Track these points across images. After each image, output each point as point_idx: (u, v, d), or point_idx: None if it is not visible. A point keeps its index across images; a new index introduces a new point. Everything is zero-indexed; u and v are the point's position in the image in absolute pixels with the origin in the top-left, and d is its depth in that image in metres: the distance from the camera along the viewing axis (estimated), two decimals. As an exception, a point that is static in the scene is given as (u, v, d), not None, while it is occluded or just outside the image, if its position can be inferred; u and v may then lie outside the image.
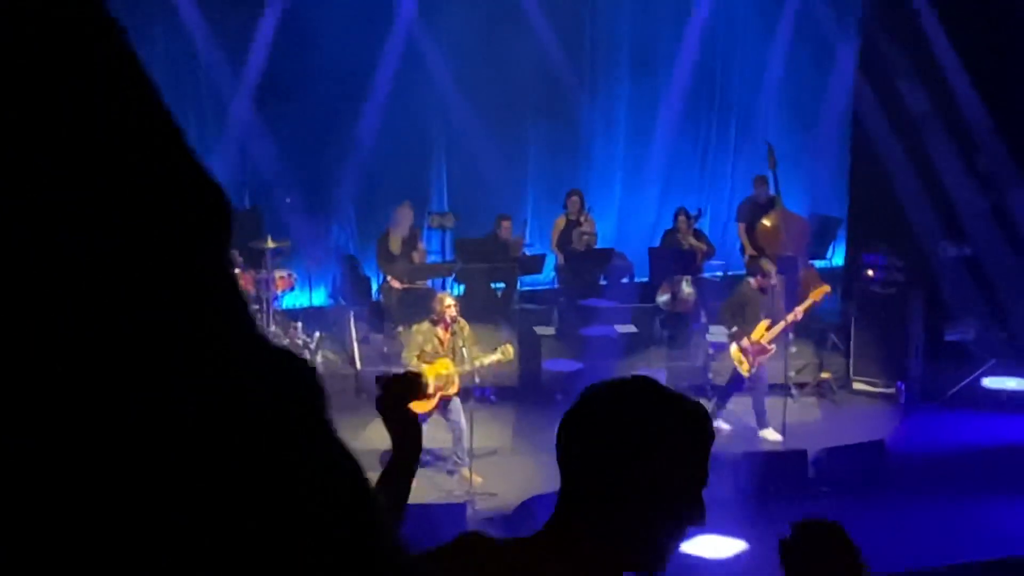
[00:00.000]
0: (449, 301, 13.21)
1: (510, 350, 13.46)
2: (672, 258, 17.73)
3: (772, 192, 18.14)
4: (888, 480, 13.04)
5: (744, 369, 14.63)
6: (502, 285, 18.19)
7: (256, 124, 18.21)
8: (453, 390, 13.07)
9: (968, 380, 15.93)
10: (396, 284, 17.30)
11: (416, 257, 17.69)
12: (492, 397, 15.46)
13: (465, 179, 19.69)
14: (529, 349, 15.96)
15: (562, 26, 19.82)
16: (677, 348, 16.61)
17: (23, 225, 0.90)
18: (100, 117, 0.99)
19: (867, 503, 12.66)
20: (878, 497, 12.74)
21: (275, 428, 1.02)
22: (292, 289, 17.68)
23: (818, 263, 19.13)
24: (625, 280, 18.63)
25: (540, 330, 16.83)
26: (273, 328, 16.88)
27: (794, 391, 15.53)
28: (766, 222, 18.03)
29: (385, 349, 16.66)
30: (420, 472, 13.50)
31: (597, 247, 18.53)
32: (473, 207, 19.15)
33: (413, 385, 3.89)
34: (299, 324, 17.15)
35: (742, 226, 18.78)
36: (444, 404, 13.10)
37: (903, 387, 15.81)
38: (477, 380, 13.58)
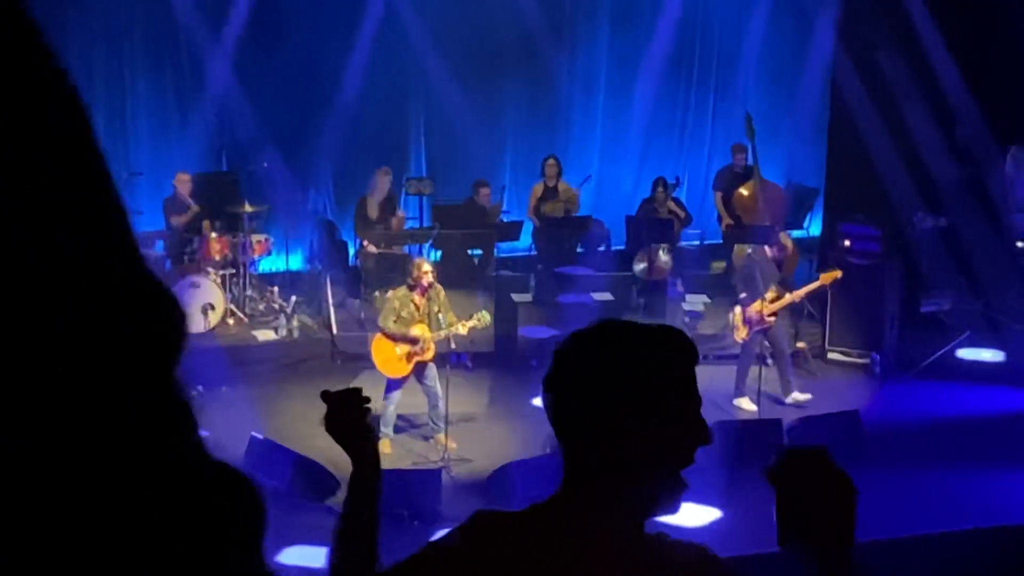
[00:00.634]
0: (426, 267, 13.17)
1: (487, 317, 13.44)
2: (649, 226, 17.72)
3: (750, 161, 18.14)
4: (862, 450, 13.06)
5: (739, 335, 14.63)
6: (479, 252, 18.18)
7: (234, 88, 18.13)
8: (429, 356, 13.06)
9: (943, 351, 15.97)
10: (373, 249, 17.28)
11: (396, 223, 17.67)
12: (468, 363, 15.47)
13: (443, 145, 19.67)
14: (505, 316, 15.95)
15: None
16: (653, 317, 16.59)
17: None
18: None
19: (841, 473, 12.69)
20: (852, 467, 12.52)
21: (210, 552, 1.01)
22: (269, 253, 17.65)
23: (795, 233, 19.14)
24: (602, 248, 18.62)
25: (517, 297, 16.81)
26: (250, 292, 16.85)
27: (769, 360, 15.54)
28: (743, 191, 18.03)
29: (362, 314, 16.65)
30: (396, 438, 13.37)
31: (575, 215, 18.53)
32: (451, 173, 19.14)
33: (358, 401, 3.72)
34: (275, 288, 17.14)
35: (719, 195, 18.79)
36: (420, 370, 13.09)
37: (878, 358, 15.85)
38: (453, 346, 13.57)
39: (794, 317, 16.41)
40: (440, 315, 13.01)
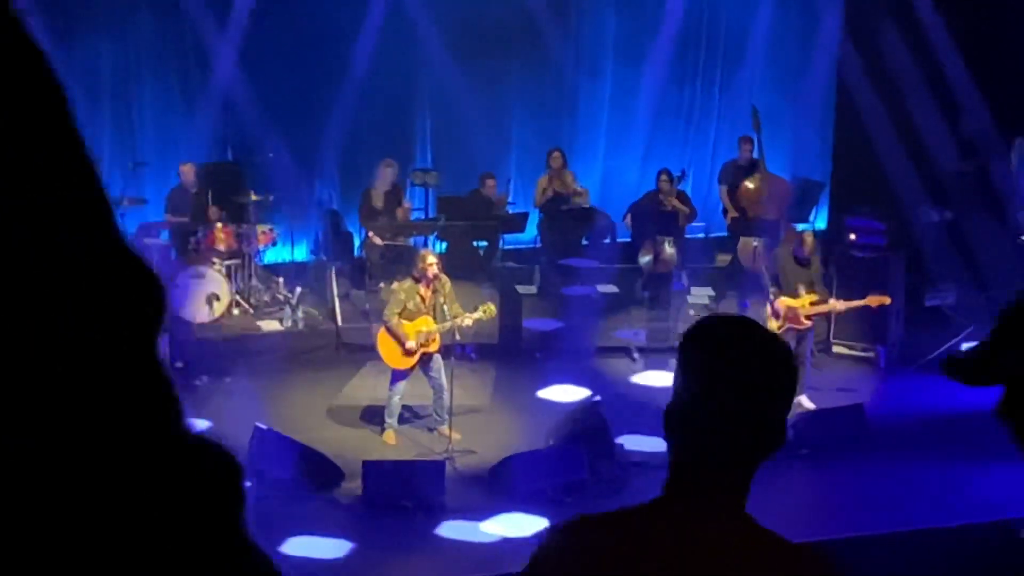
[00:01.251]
0: (431, 259, 13.17)
1: (492, 308, 13.44)
2: (654, 219, 17.69)
3: (756, 155, 18.10)
4: (867, 444, 13.06)
5: (771, 327, 14.52)
6: (484, 243, 18.18)
7: (240, 78, 18.12)
8: (434, 347, 13.07)
9: (948, 345, 15.93)
10: (378, 240, 17.27)
11: (401, 214, 17.65)
12: (472, 355, 15.47)
13: (449, 137, 19.63)
14: (510, 307, 15.95)
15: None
16: (658, 309, 16.59)
17: None
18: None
19: (846, 466, 12.70)
20: (857, 460, 12.77)
21: (190, 527, 1.01)
22: (274, 244, 17.66)
23: (800, 226, 19.11)
24: (607, 240, 18.60)
25: (521, 289, 16.82)
26: (255, 282, 16.86)
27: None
28: (748, 184, 18.00)
29: (367, 306, 16.65)
30: (401, 429, 13.45)
31: (581, 207, 18.51)
32: (457, 165, 19.10)
33: None
34: (280, 279, 17.14)
35: (724, 188, 18.75)
36: (425, 361, 13.10)
37: (883, 351, 15.84)
38: (458, 338, 13.56)
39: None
40: (445, 307, 13.01)
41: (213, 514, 1.04)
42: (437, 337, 13.03)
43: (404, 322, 12.93)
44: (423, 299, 13.01)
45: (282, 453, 11.92)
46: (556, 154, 18.56)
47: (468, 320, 13.12)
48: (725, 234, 18.57)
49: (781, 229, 17.18)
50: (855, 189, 18.03)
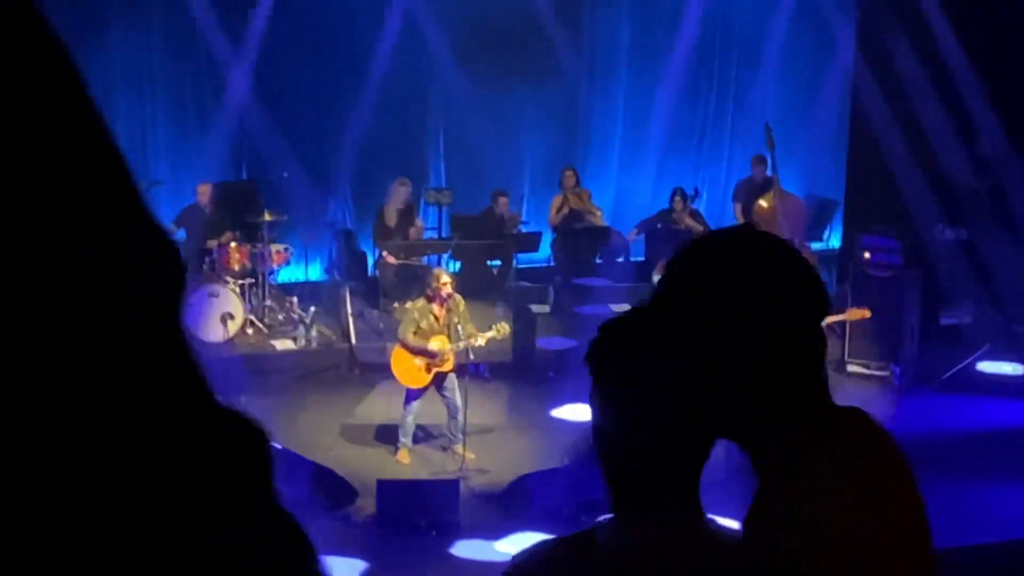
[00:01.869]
0: (445, 278, 13.18)
1: (506, 328, 13.44)
2: (668, 238, 17.69)
3: (770, 173, 18.09)
4: (881, 463, 13.01)
5: None
6: (498, 262, 18.17)
7: (254, 97, 18.17)
8: (448, 367, 13.06)
9: (963, 364, 15.90)
10: (392, 260, 17.28)
11: (414, 232, 17.66)
12: (486, 374, 15.46)
13: (462, 155, 19.65)
14: (524, 327, 15.95)
15: (562, 6, 19.77)
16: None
17: None
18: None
19: (860, 485, 12.65)
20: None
21: (220, 493, 1.01)
22: (288, 263, 17.67)
23: (815, 245, 19.11)
24: (621, 259, 18.60)
25: (535, 308, 16.81)
26: (269, 302, 16.87)
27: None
28: (763, 203, 17.98)
29: (380, 325, 16.65)
30: (414, 448, 13.44)
31: (592, 226, 18.50)
32: (470, 184, 19.13)
33: None
34: (295, 298, 17.14)
35: (738, 206, 18.73)
36: (439, 380, 13.09)
37: (898, 370, 15.80)
38: (471, 357, 13.55)
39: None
40: (459, 326, 13.01)
41: (245, 479, 1.05)
42: (451, 356, 13.03)
43: (419, 341, 12.96)
44: (437, 318, 13.01)
45: (296, 472, 11.90)
46: (569, 173, 18.57)
47: (482, 339, 13.12)
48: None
49: (796, 247, 17.15)
50: (870, 207, 18.00)
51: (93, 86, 1.06)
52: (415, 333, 12.96)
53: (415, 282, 15.75)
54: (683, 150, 21.06)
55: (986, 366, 16.20)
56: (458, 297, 13.17)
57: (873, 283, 16.17)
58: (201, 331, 15.51)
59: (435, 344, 12.91)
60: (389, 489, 11.76)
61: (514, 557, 2.91)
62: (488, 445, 13.48)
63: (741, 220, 18.48)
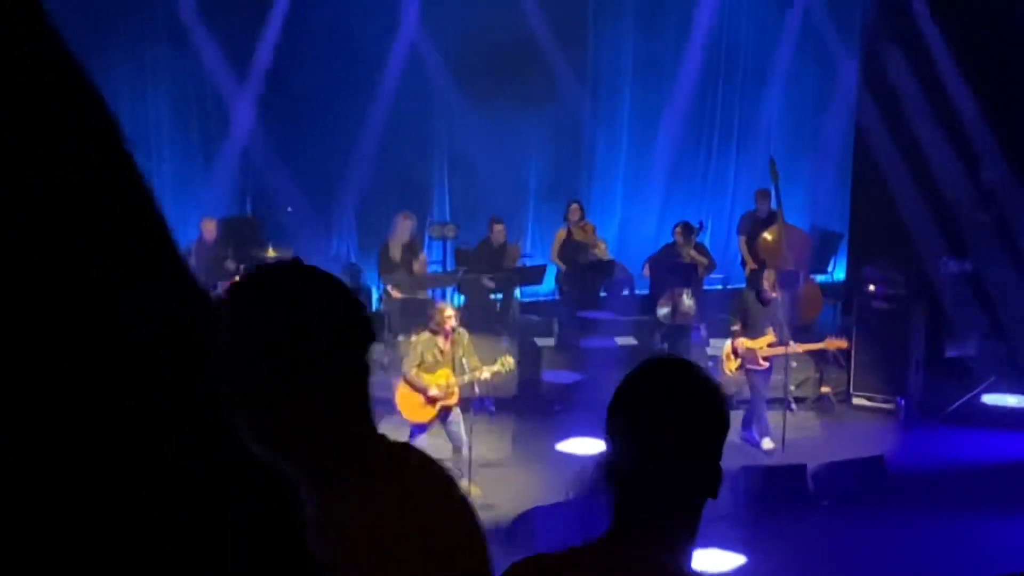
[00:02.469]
0: (449, 312, 13.17)
1: (510, 361, 13.43)
2: (672, 271, 17.69)
3: (774, 206, 18.10)
4: (888, 495, 13.01)
5: (729, 367, 14.69)
6: (500, 296, 18.18)
7: (258, 132, 18.22)
8: (453, 401, 13.04)
9: (968, 396, 15.89)
10: (396, 294, 17.28)
11: (417, 266, 17.68)
12: (491, 408, 15.43)
13: (466, 189, 19.68)
14: (529, 360, 15.94)
15: (565, 37, 19.84)
16: (677, 361, 16.52)
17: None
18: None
19: (867, 518, 12.64)
20: (878, 512, 12.72)
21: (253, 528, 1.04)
22: (292, 298, 17.64)
23: (819, 277, 19.12)
24: (625, 292, 18.60)
25: (540, 341, 16.80)
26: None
27: (794, 405, 15.51)
28: (767, 235, 18.00)
29: (385, 359, 16.63)
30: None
31: (597, 260, 18.51)
32: (474, 217, 19.14)
33: None
34: (299, 333, 17.11)
35: (743, 239, 18.75)
36: (444, 414, 13.07)
37: (903, 402, 15.78)
38: (476, 391, 13.53)
39: (818, 361, 16.37)
40: (464, 359, 13.00)
41: (285, 525, 1.08)
42: (456, 390, 13.01)
43: (424, 374, 12.93)
44: (441, 352, 13.01)
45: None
46: (575, 206, 18.59)
47: (487, 373, 13.10)
48: (744, 286, 18.56)
49: (800, 280, 17.18)
50: (874, 239, 18.02)
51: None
52: (419, 366, 12.96)
53: (420, 316, 15.74)
54: (687, 183, 21.09)
55: (991, 398, 16.19)
56: (463, 331, 13.17)
57: (878, 315, 16.16)
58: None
59: (436, 389, 12.88)
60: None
61: (512, 564, 3.09)
62: (494, 479, 13.45)
63: (745, 253, 18.51)
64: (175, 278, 1.04)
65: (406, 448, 2.91)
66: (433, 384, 12.88)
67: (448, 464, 13.29)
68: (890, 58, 18.22)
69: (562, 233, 18.64)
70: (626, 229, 20.46)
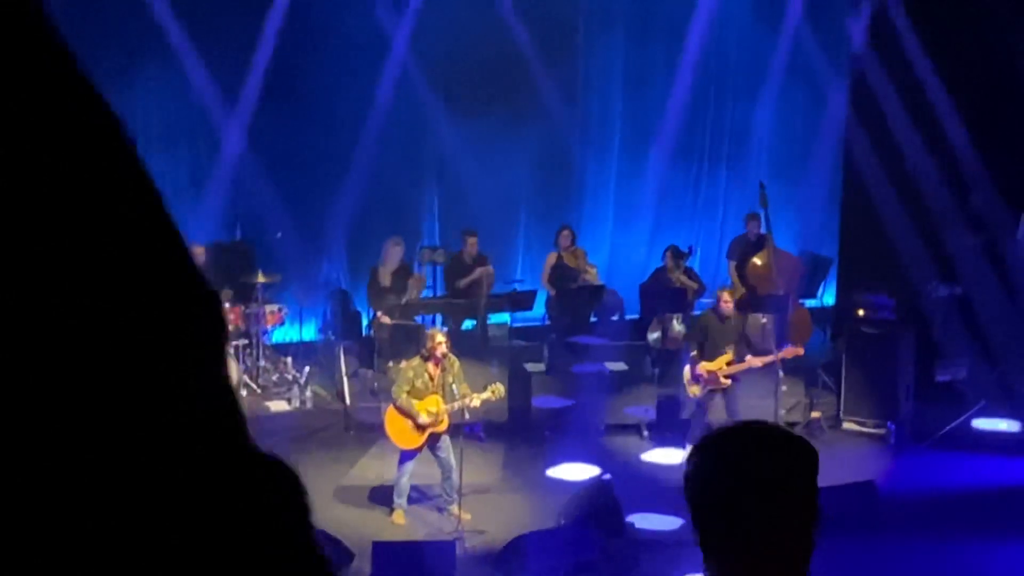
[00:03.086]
0: (440, 337, 13.16)
1: (501, 389, 13.41)
2: (662, 296, 17.70)
3: (763, 231, 18.12)
4: (878, 521, 12.98)
5: (692, 392, 14.70)
6: (473, 322, 18.26)
7: (248, 158, 18.21)
8: (443, 427, 13.02)
9: (959, 421, 15.88)
10: (387, 320, 17.27)
11: (413, 283, 17.69)
12: (481, 434, 15.40)
13: (456, 214, 19.69)
14: (519, 385, 15.91)
15: (555, 62, 19.87)
16: (667, 385, 16.55)
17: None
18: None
19: (857, 543, 12.61)
20: (868, 537, 12.69)
21: (261, 536, 1.03)
22: (282, 323, 17.66)
23: (809, 302, 19.12)
24: (615, 317, 18.61)
25: (530, 366, 16.79)
26: (263, 362, 16.84)
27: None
28: (757, 260, 18.02)
29: (375, 385, 16.63)
30: (410, 509, 13.35)
31: (587, 285, 18.52)
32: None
33: None
34: (289, 359, 17.12)
35: (733, 264, 18.77)
36: (433, 441, 13.04)
37: (893, 427, 15.77)
38: (467, 417, 13.52)
39: (808, 386, 16.37)
40: (454, 386, 12.98)
41: (287, 523, 1.07)
42: (446, 417, 12.99)
43: (414, 400, 12.91)
44: (432, 377, 12.99)
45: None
46: (566, 232, 18.61)
47: (477, 400, 13.09)
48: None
49: (790, 304, 17.19)
50: (863, 264, 18.05)
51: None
52: (409, 392, 12.93)
53: (410, 342, 15.73)
54: (677, 208, 21.12)
55: (982, 423, 16.18)
56: (453, 357, 13.16)
57: (867, 340, 16.16)
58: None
59: (425, 416, 12.85)
60: (385, 551, 11.71)
61: None
62: (484, 505, 13.42)
63: (735, 278, 18.52)
64: (183, 275, 1.03)
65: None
66: (423, 410, 12.85)
67: (437, 490, 13.31)
68: (879, 84, 18.28)
69: (552, 258, 18.65)
70: (616, 254, 20.47)
